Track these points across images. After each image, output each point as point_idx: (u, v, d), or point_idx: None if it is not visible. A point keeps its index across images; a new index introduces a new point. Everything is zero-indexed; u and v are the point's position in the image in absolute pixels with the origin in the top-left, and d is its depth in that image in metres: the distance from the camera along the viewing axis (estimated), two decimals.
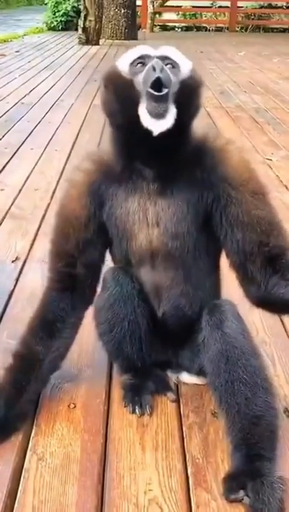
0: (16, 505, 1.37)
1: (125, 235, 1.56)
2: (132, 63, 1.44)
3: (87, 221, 1.57)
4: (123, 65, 1.45)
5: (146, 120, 1.39)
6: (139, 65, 1.42)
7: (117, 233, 1.57)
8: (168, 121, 1.39)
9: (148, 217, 1.52)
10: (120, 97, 1.44)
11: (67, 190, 1.63)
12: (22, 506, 1.36)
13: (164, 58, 1.43)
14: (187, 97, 1.44)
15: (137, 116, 1.40)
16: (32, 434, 1.58)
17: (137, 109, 1.40)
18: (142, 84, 1.39)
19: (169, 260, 1.55)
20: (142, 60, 1.43)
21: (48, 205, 3.18)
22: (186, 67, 1.46)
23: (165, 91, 1.37)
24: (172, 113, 1.40)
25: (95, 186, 1.56)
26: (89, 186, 1.56)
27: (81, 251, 1.58)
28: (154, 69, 1.37)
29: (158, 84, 1.36)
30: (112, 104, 1.46)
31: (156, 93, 1.37)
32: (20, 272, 2.48)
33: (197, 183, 1.50)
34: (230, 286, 2.15)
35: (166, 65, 1.41)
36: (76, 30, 12.16)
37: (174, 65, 1.43)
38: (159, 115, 1.38)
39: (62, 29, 14.43)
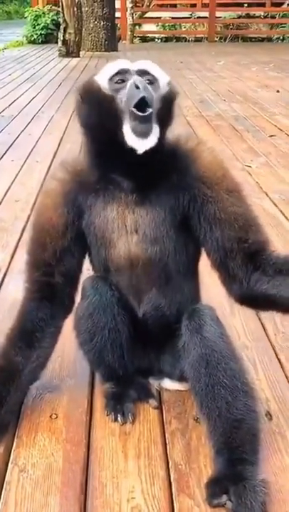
0: None
1: (104, 243, 1.56)
2: (111, 79, 1.45)
3: (64, 230, 1.57)
4: (102, 80, 1.46)
5: (131, 139, 1.41)
6: (119, 81, 1.44)
7: (96, 241, 1.58)
8: (152, 140, 1.42)
9: (127, 225, 1.53)
10: (101, 113, 1.46)
11: (42, 200, 1.64)
12: None
13: (143, 73, 1.45)
14: (166, 111, 1.48)
15: (120, 134, 1.42)
16: (13, 446, 1.57)
17: (119, 126, 1.42)
18: (124, 102, 1.42)
19: (148, 265, 1.56)
20: (122, 76, 1.45)
21: (29, 216, 3.16)
22: (163, 81, 1.48)
23: (149, 111, 1.40)
24: (156, 132, 1.43)
25: (72, 196, 1.56)
26: (64, 196, 1.56)
27: (58, 260, 1.58)
28: (137, 87, 1.39)
29: (142, 103, 1.39)
30: (91, 118, 1.48)
31: (141, 114, 1.39)
32: (1, 284, 2.47)
33: (173, 186, 1.52)
34: (211, 291, 2.17)
35: (145, 80, 1.43)
36: (56, 42, 12.21)
37: (153, 81, 1.46)
38: (144, 134, 1.41)
39: (43, 42, 14.50)
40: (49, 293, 1.62)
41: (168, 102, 1.48)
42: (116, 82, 1.44)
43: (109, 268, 1.60)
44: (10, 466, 1.50)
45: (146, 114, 1.40)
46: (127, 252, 1.55)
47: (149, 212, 1.52)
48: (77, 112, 1.52)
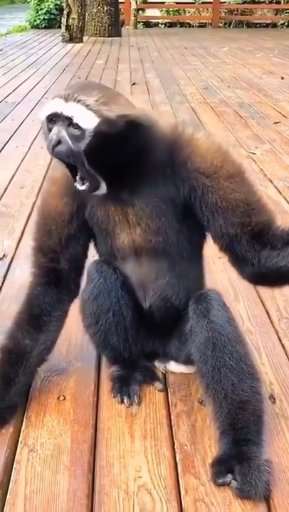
0: (8, 495, 1.39)
1: (108, 233, 1.58)
2: (46, 119, 1.42)
3: (69, 218, 1.59)
4: (42, 118, 1.44)
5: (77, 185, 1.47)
6: (51, 123, 1.41)
7: (100, 232, 1.60)
8: (102, 189, 1.47)
9: (128, 219, 1.54)
10: None
11: (47, 187, 1.65)
12: (14, 496, 1.38)
13: (68, 119, 1.38)
14: (104, 153, 1.41)
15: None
16: (23, 427, 1.60)
17: None
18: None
19: (153, 254, 1.57)
20: (54, 118, 1.41)
21: (34, 202, 3.18)
22: (90, 126, 1.37)
23: (83, 188, 1.45)
24: (98, 182, 1.45)
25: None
26: (69, 185, 1.54)
27: (64, 247, 1.60)
28: (49, 144, 1.39)
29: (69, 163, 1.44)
30: None
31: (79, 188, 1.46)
32: (8, 269, 2.50)
33: (171, 179, 1.50)
34: (215, 277, 2.19)
35: (69, 125, 1.38)
36: (59, 27, 12.14)
37: (77, 127, 1.38)
38: (84, 186, 1.46)
39: (46, 27, 14.39)
40: (55, 278, 1.65)
41: (101, 147, 1.39)
42: (50, 122, 1.41)
43: (115, 256, 1.62)
44: (19, 445, 1.53)
45: (82, 190, 1.46)
46: (131, 242, 1.56)
47: (149, 204, 1.53)
48: None
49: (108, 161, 1.43)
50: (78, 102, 1.38)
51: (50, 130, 1.41)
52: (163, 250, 1.56)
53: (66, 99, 1.39)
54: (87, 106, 1.37)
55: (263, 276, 1.54)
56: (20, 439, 1.56)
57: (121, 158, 1.44)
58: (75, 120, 1.37)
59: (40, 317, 1.65)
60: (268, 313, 2.14)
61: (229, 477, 1.39)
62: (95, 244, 1.68)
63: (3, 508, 1.35)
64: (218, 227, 1.51)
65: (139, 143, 1.44)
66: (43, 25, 14.48)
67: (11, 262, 2.55)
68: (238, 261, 1.53)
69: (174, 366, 1.77)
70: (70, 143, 1.39)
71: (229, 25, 15.67)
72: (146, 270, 1.60)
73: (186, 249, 1.60)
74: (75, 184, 1.47)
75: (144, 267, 1.59)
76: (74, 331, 1.88)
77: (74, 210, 1.59)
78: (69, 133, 1.39)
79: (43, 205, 1.64)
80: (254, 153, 4.12)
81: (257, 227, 1.49)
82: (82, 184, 1.46)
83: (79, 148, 1.39)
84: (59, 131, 1.39)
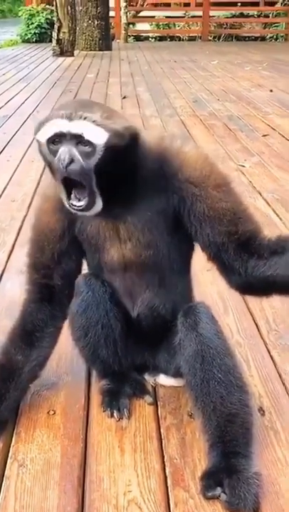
0: None
1: (97, 249, 1.60)
2: (48, 140, 1.42)
3: (61, 234, 1.61)
4: (42, 140, 1.44)
5: (74, 208, 1.47)
6: (55, 143, 1.41)
7: (90, 247, 1.62)
8: (95, 209, 1.47)
9: (119, 234, 1.56)
10: (48, 167, 1.50)
11: (40, 204, 1.67)
12: (4, 511, 1.38)
13: (76, 137, 1.40)
14: (112, 168, 1.42)
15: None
16: (12, 442, 1.60)
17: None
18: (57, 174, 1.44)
19: (143, 268, 1.59)
20: (58, 139, 1.41)
21: (25, 216, 3.20)
22: (101, 141, 1.39)
23: (81, 205, 1.45)
24: (95, 202, 1.46)
25: None
26: (61, 201, 1.55)
27: (57, 262, 1.62)
28: (62, 164, 1.38)
29: (67, 181, 1.43)
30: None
31: (74, 209, 1.47)
32: None
33: (162, 191, 1.52)
34: (204, 290, 2.20)
35: (78, 143, 1.39)
36: (50, 42, 12.23)
37: (87, 143, 1.39)
38: (82, 211, 1.47)
39: (37, 41, 14.50)
40: (48, 294, 1.66)
41: (110, 160, 1.41)
42: (52, 145, 1.42)
43: (103, 270, 1.63)
44: (9, 461, 1.53)
45: (79, 206, 1.46)
46: (120, 257, 1.58)
47: (141, 219, 1.54)
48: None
49: (115, 176, 1.45)
50: (84, 118, 1.39)
51: (52, 151, 1.42)
52: (153, 264, 1.58)
53: (70, 118, 1.39)
54: (94, 122, 1.39)
55: (250, 286, 1.56)
56: (10, 454, 1.55)
57: (124, 172, 1.47)
58: (86, 137, 1.39)
59: (32, 333, 1.66)
60: (257, 325, 2.15)
61: (218, 490, 1.39)
62: (86, 258, 1.69)
63: None
64: (206, 236, 1.53)
65: (135, 156, 1.47)
66: (34, 40, 14.60)
67: (1, 276, 2.56)
68: (226, 270, 1.56)
69: (163, 379, 1.77)
70: (81, 161, 1.40)
71: (218, 39, 15.84)
72: (135, 283, 1.61)
73: (175, 262, 1.61)
74: (70, 202, 1.46)
75: (133, 280, 1.61)
76: (64, 344, 1.87)
77: (65, 225, 1.61)
78: (80, 151, 1.40)
79: (36, 222, 1.66)
80: (243, 166, 4.16)
81: (243, 235, 1.52)
82: (79, 201, 1.46)
83: (89, 166, 1.40)
84: (69, 149, 1.39)
